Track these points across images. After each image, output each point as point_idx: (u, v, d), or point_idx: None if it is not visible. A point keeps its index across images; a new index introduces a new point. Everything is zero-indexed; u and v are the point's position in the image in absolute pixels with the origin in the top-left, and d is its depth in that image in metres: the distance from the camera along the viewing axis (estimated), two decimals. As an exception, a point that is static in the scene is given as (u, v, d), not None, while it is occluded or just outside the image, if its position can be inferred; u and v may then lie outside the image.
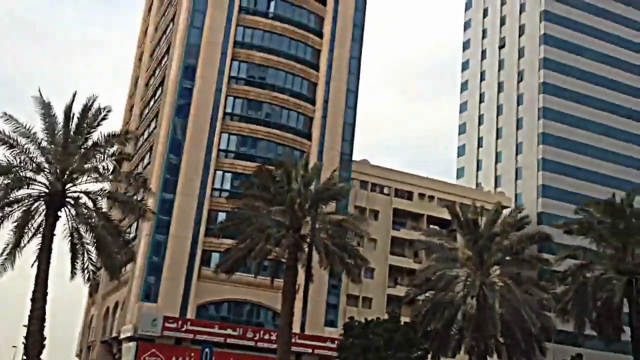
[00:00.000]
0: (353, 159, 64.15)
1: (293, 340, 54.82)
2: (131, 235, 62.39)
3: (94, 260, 34.89)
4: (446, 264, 39.59)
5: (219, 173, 59.31)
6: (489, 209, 42.64)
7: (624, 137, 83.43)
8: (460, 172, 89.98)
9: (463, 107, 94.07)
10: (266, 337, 55.21)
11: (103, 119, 34.96)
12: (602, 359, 53.56)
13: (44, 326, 32.82)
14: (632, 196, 42.31)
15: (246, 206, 36.68)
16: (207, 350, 32.65)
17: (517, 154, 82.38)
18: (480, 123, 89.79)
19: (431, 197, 75.78)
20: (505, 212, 40.92)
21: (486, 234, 39.05)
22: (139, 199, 36.75)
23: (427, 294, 40.19)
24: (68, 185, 34.42)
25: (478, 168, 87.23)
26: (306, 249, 36.07)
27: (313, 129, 62.39)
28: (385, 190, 74.82)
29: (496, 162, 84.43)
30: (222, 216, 55.53)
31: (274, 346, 46.92)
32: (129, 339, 53.89)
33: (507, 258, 39.01)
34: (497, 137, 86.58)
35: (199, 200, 57.45)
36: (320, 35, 65.08)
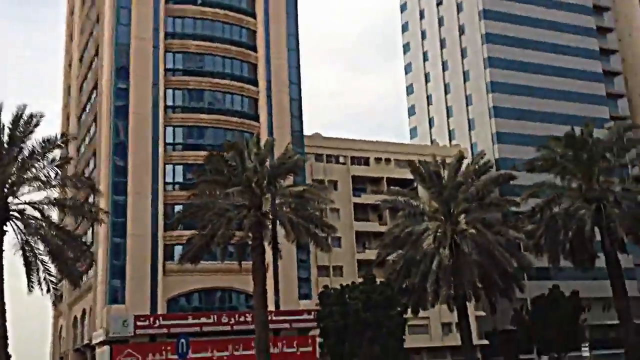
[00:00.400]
0: (305, 134, 62.94)
1: (269, 318, 54.24)
2: (88, 242, 60.97)
3: (51, 271, 33.38)
4: (414, 219, 38.66)
5: (169, 167, 57.73)
6: (448, 163, 41.85)
7: (570, 74, 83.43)
8: (413, 132, 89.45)
9: (408, 69, 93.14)
10: (242, 319, 54.27)
11: (36, 125, 33.38)
12: (577, 287, 53.89)
13: (7, 344, 31.31)
14: (591, 127, 41.93)
15: (202, 193, 34.99)
16: (182, 340, 30.89)
17: (467, 106, 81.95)
18: (427, 81, 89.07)
19: (388, 160, 75.09)
20: (466, 162, 40.03)
21: (451, 184, 38.21)
22: (89, 203, 34.84)
23: (399, 251, 39.24)
24: (10, 199, 32.78)
25: (431, 125, 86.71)
26: (270, 226, 34.65)
27: (260, 110, 61.02)
28: (341, 160, 73.88)
29: (448, 117, 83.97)
30: (179, 209, 53.91)
31: (251, 327, 46.07)
32: (102, 343, 52.78)
33: (474, 204, 38.21)
34: (446, 92, 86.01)
35: (153, 196, 55.85)
36: (254, 16, 63.47)
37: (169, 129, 58.41)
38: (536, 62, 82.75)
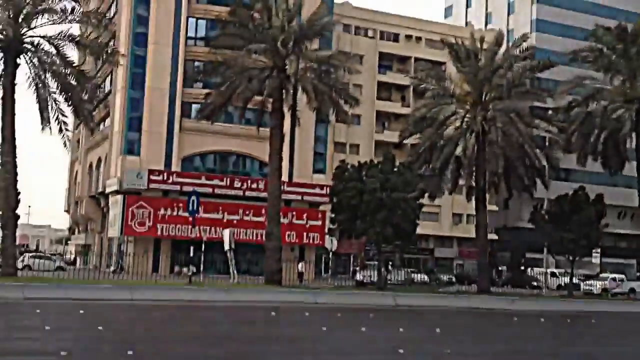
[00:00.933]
0: (334, 1, 59.08)
1: (282, 188, 53.50)
2: (106, 90, 59.42)
3: (63, 111, 31.85)
4: (442, 101, 36.23)
5: (192, 20, 54.65)
6: (484, 48, 38.67)
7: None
8: (447, 12, 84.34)
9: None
10: (254, 185, 53.44)
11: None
12: (604, 192, 52.15)
13: (17, 180, 30.34)
14: (645, 21, 38.42)
15: (225, 48, 32.36)
16: (193, 198, 29.95)
17: (508, 15, 76.30)
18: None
19: (418, 39, 71.14)
20: (502, 49, 36.87)
21: (487, 66, 35.37)
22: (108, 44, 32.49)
23: (421, 135, 37.17)
24: (24, 30, 30.65)
25: (467, 5, 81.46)
26: (291, 91, 32.47)
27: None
28: (370, 33, 70.04)
29: (486, 12, 78.64)
30: (199, 65, 51.55)
31: (263, 195, 45.24)
32: (115, 192, 52.31)
33: (509, 91, 35.57)
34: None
35: (173, 50, 53.23)
36: None
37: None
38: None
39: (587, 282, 53.61)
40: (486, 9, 79.03)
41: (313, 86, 31.10)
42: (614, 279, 56.98)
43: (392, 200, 33.12)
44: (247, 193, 53.36)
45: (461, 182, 39.41)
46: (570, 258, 42.14)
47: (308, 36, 32.05)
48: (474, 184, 36.12)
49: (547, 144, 37.21)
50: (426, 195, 36.77)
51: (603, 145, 37.56)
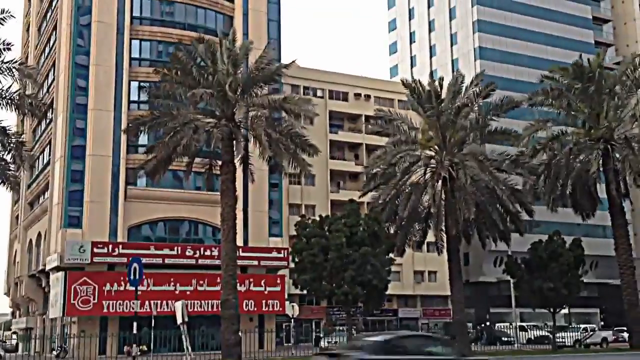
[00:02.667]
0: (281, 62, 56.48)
1: (237, 253, 49.00)
2: (45, 161, 54.75)
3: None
4: (405, 147, 32.91)
5: (134, 84, 50.91)
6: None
7: (560, 19, 77.05)
8: (393, 71, 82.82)
9: (391, 3, 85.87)
10: (207, 253, 48.70)
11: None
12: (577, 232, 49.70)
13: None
14: (601, 56, 36.27)
15: (167, 98, 28.39)
16: (135, 265, 25.29)
17: (452, 45, 75.28)
18: (411, 17, 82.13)
19: (367, 97, 68.81)
20: (465, 84, 34.09)
21: (449, 107, 32.36)
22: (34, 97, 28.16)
23: (381, 188, 33.53)
24: None
25: (412, 64, 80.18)
26: (242, 141, 28.62)
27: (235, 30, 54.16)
28: (319, 93, 67.43)
29: (431, 56, 77.39)
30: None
31: (217, 262, 40.67)
32: (56, 269, 46.87)
33: (474, 133, 32.58)
34: (430, 30, 79.14)
35: (115, 115, 49.01)
36: None
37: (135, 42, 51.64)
38: (525, 1, 76.00)
39: (558, 334, 50.49)
40: (430, 66, 77.70)
41: (266, 134, 27.35)
42: (585, 330, 53.91)
43: (360, 255, 29.19)
44: (201, 261, 48.62)
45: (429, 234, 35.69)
46: (551, 310, 38.50)
47: (258, 81, 28.43)
48: (444, 234, 32.47)
49: (516, 188, 33.98)
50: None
51: (572, 189, 34.62)
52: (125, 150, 48.99)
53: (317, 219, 33.32)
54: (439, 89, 32.64)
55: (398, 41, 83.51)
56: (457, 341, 33.36)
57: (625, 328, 59.03)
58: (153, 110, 28.89)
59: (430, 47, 78.35)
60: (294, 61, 28.45)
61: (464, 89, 33.11)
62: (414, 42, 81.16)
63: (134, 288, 39.48)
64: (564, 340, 46.20)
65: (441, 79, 33.50)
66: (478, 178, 31.11)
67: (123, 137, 48.76)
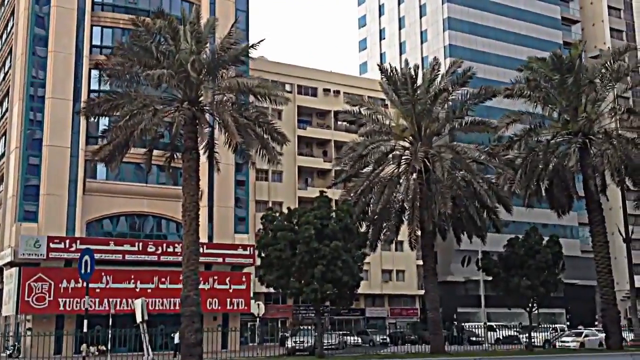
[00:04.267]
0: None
1: (200, 251, 46.35)
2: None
3: None
4: (378, 137, 30.90)
5: (95, 72, 47.86)
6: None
7: (529, 19, 76.00)
8: (362, 68, 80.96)
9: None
10: (170, 249, 46.15)
11: None
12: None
13: None
14: (579, 48, 34.73)
15: (124, 78, 25.74)
16: (86, 257, 22.74)
17: (422, 43, 73.66)
18: (381, 13, 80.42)
19: (337, 93, 66.78)
20: (443, 69, 32.21)
21: (425, 95, 30.41)
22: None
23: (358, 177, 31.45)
24: None
25: (382, 61, 78.15)
26: (207, 127, 26.26)
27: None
28: (288, 88, 65.09)
29: (401, 53, 75.50)
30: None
31: (180, 259, 38.23)
32: (10, 264, 43.81)
33: (451, 123, 30.71)
34: (400, 27, 77.53)
35: (75, 105, 46.08)
36: None
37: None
38: (495, 0, 74.99)
39: (526, 334, 49.11)
40: (400, 63, 75.78)
41: (234, 119, 25.01)
42: (554, 329, 52.69)
43: (330, 250, 27.09)
44: (163, 258, 46.04)
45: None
46: (528, 308, 36.80)
47: (224, 61, 26.03)
48: (418, 229, 30.51)
49: (493, 182, 32.23)
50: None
51: (549, 184, 33.01)
52: (85, 142, 46.25)
53: (285, 211, 31.02)
54: (414, 75, 30.69)
55: (368, 37, 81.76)
56: (431, 340, 31.57)
57: (593, 329, 58.26)
58: (109, 93, 26.26)
59: (400, 44, 76.70)
60: (262, 39, 26.16)
61: (440, 77, 31.23)
62: (384, 38, 79.49)
63: (92, 286, 37.86)
64: (532, 340, 44.79)
65: (416, 67, 31.59)
66: (455, 170, 29.25)
67: (82, 128, 46.01)
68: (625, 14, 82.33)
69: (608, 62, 33.50)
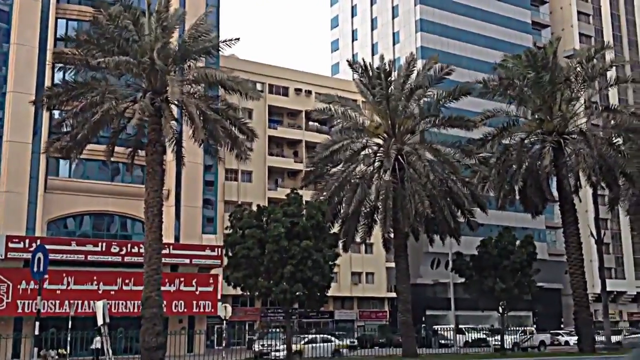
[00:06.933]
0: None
1: (166, 251, 44.72)
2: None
3: None
4: (351, 134, 29.78)
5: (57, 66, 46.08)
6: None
7: (500, 22, 75.79)
8: (335, 69, 79.90)
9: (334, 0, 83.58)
10: (134, 250, 44.22)
11: None
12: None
13: None
14: (555, 45, 34.12)
15: (89, 68, 24.19)
16: (39, 255, 21.06)
17: (394, 44, 72.96)
18: (353, 14, 79.67)
19: (308, 92, 65.61)
20: (418, 65, 31.33)
21: (400, 90, 29.41)
22: None
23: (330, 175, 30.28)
24: None
25: (354, 61, 77.38)
26: (170, 118, 24.69)
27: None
28: (259, 87, 63.62)
29: (372, 54, 74.54)
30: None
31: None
32: (-34, 265, 41.48)
33: (426, 120, 29.75)
34: (372, 28, 76.82)
35: (37, 95, 43.89)
36: None
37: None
38: (468, 3, 74.72)
39: (495, 336, 48.49)
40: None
41: (201, 112, 23.60)
42: (524, 332, 52.17)
43: (301, 249, 25.85)
44: (127, 259, 44.06)
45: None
46: (499, 311, 36.00)
47: (193, 52, 24.61)
48: (391, 229, 29.45)
49: (468, 181, 31.33)
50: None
51: (523, 183, 32.30)
52: (47, 137, 44.28)
53: (255, 209, 29.68)
54: (389, 70, 29.68)
55: (340, 38, 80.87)
56: (403, 343, 30.54)
57: (561, 331, 57.98)
58: (69, 83, 24.66)
59: (373, 45, 75.90)
60: (237, 38, 24.77)
61: (415, 73, 30.26)
62: (357, 39, 78.66)
63: (53, 288, 36.04)
64: (499, 343, 44.05)
65: (391, 62, 30.59)
66: (430, 168, 28.27)
67: (45, 123, 44.07)
68: (594, 19, 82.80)
69: (584, 60, 32.93)
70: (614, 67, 36.55)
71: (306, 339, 33.02)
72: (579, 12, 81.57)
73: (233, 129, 25.34)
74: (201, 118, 23.41)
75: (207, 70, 24.21)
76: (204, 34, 24.74)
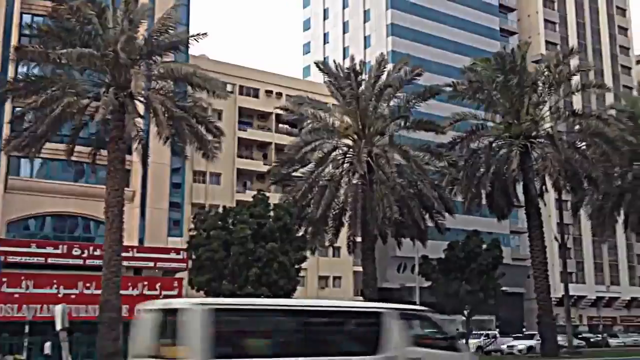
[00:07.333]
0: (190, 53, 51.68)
1: (129, 254, 43.65)
2: None
3: None
4: (321, 135, 29.28)
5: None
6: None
7: (470, 29, 76.22)
8: (306, 71, 79.33)
9: (306, 2, 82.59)
10: (97, 253, 42.82)
11: None
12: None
13: None
14: (525, 48, 34.19)
15: (48, 62, 23.24)
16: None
17: (365, 48, 72.76)
18: (325, 17, 79.42)
19: (279, 94, 64.92)
20: (389, 67, 31.09)
21: (370, 91, 29.05)
22: None
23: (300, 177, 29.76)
24: None
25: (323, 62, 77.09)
26: (133, 115, 23.85)
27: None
28: (229, 88, 62.79)
29: (344, 58, 74.21)
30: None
31: (108, 262, 35.69)
32: None
33: (396, 122, 29.42)
34: (344, 32, 76.66)
35: (-1, 93, 42.63)
36: None
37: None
38: (439, 9, 74.71)
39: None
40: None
41: (166, 109, 22.86)
42: (487, 336, 52.19)
43: (267, 251, 25.20)
44: (89, 262, 42.94)
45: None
46: (465, 314, 35.81)
47: (160, 46, 23.83)
48: (359, 233, 29.02)
49: (437, 184, 31.08)
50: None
51: (491, 187, 32.17)
52: (8, 134, 42.83)
53: (220, 210, 28.94)
54: (360, 70, 29.32)
55: (312, 41, 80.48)
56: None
57: (521, 335, 58.26)
58: (29, 77, 23.71)
59: (344, 49, 75.64)
60: (205, 33, 24.08)
61: (385, 73, 29.94)
62: (328, 42, 78.38)
63: (10, 291, 34.68)
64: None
65: (362, 63, 30.25)
66: (400, 171, 27.90)
67: (6, 120, 42.69)
68: (560, 27, 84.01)
69: (552, 65, 33.01)
70: (579, 74, 36.80)
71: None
72: (545, 20, 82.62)
73: (200, 127, 24.61)
74: (166, 115, 22.65)
75: (172, 65, 23.45)
76: (171, 27, 23.97)
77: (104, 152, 25.44)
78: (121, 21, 23.22)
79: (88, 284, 42.11)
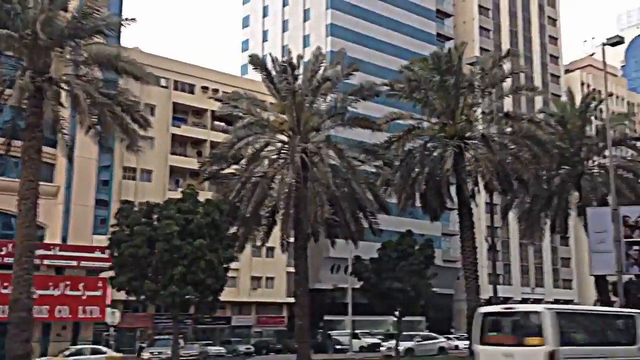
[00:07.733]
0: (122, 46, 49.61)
1: (50, 252, 41.63)
2: None
3: None
4: (256, 130, 28.32)
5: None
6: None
7: (407, 32, 76.62)
8: (244, 69, 77.88)
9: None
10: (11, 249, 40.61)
11: None
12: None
13: None
14: (462, 48, 34.18)
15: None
16: None
17: (304, 47, 71.75)
18: (265, 15, 78.34)
19: (215, 91, 63.52)
20: (326, 63, 30.45)
21: (306, 86, 28.30)
22: None
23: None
24: None
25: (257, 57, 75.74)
26: (52, 101, 22.27)
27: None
28: (163, 82, 61.08)
29: (282, 56, 73.52)
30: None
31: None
32: None
33: (333, 119, 28.76)
34: (283, 30, 75.83)
35: None
36: None
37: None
38: (378, 11, 74.87)
39: (389, 341, 48.27)
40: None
41: (88, 95, 21.42)
42: (421, 337, 52.34)
43: (194, 248, 23.99)
44: (7, 260, 40.63)
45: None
46: (396, 313, 35.43)
47: (84, 29, 22.34)
48: (292, 231, 28.17)
49: (372, 182, 30.62)
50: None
51: (425, 187, 31.91)
52: None
53: (145, 205, 27.48)
54: (296, 64, 28.51)
55: (251, 39, 79.32)
56: (298, 348, 29.34)
57: (451, 336, 58.79)
58: None
59: (283, 47, 74.42)
60: (134, 19, 22.74)
61: (322, 69, 29.24)
62: (267, 40, 77.41)
63: None
64: (398, 348, 43.70)
65: (299, 57, 29.48)
66: (335, 169, 27.23)
67: None
68: (494, 34, 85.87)
69: (487, 67, 33.08)
70: (511, 78, 37.22)
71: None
72: (480, 27, 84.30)
73: (125, 115, 23.20)
74: (88, 101, 21.19)
75: (95, 47, 21.98)
76: (97, 11, 22.48)
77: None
78: (42, 0, 21.60)
79: (5, 283, 39.78)
